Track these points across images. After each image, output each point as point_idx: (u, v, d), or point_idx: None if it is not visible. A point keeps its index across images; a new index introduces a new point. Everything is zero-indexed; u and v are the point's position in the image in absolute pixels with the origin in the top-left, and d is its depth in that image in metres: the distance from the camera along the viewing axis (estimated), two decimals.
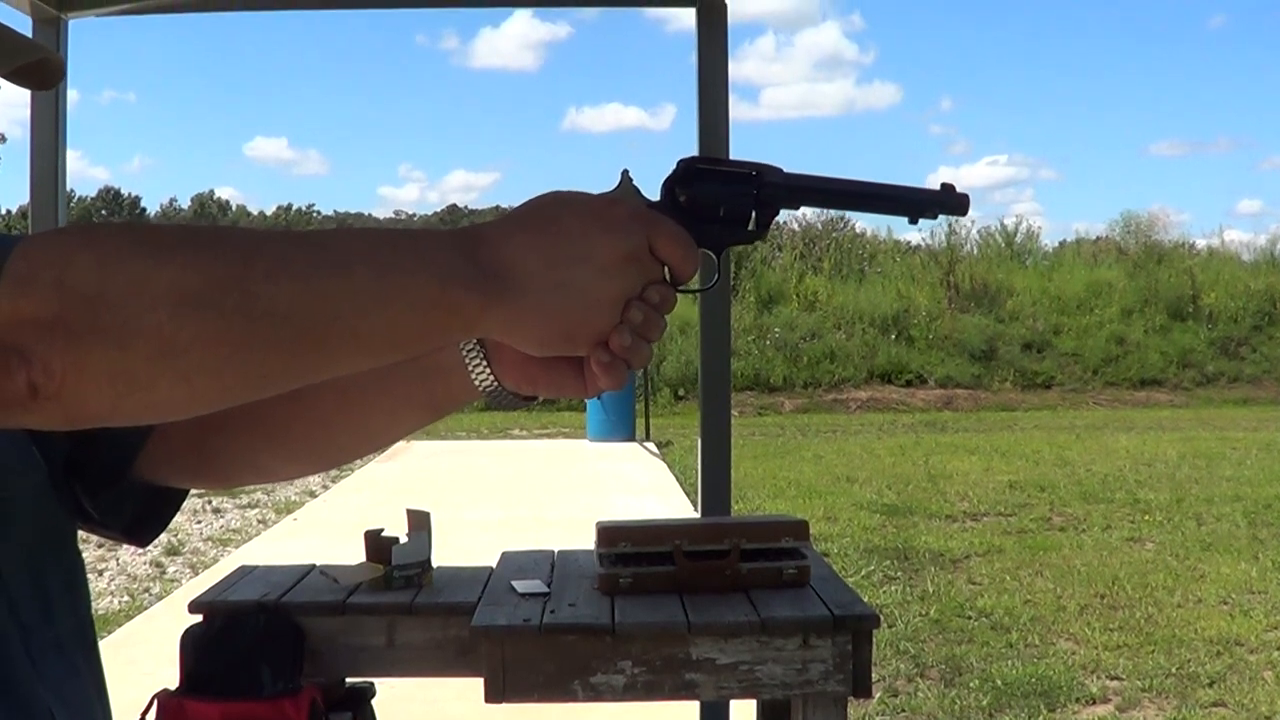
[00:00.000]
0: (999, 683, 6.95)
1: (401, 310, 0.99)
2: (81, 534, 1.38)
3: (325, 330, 0.96)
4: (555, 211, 1.05)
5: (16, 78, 1.22)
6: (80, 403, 0.92)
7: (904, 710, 6.68)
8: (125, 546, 7.93)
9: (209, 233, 0.96)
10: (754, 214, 1.18)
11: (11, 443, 1.22)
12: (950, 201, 1.22)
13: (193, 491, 1.52)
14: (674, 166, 1.18)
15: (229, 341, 0.92)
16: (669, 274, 1.10)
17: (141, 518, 1.41)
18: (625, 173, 1.17)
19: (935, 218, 1.23)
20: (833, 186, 1.22)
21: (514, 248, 1.02)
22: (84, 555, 1.34)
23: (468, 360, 1.21)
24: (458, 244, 1.02)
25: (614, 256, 1.05)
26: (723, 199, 1.17)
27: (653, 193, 1.18)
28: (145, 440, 1.33)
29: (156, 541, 1.46)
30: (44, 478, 1.26)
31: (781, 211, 1.21)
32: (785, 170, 1.20)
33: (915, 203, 1.22)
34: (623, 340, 1.08)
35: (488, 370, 1.21)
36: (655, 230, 1.07)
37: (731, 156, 4.84)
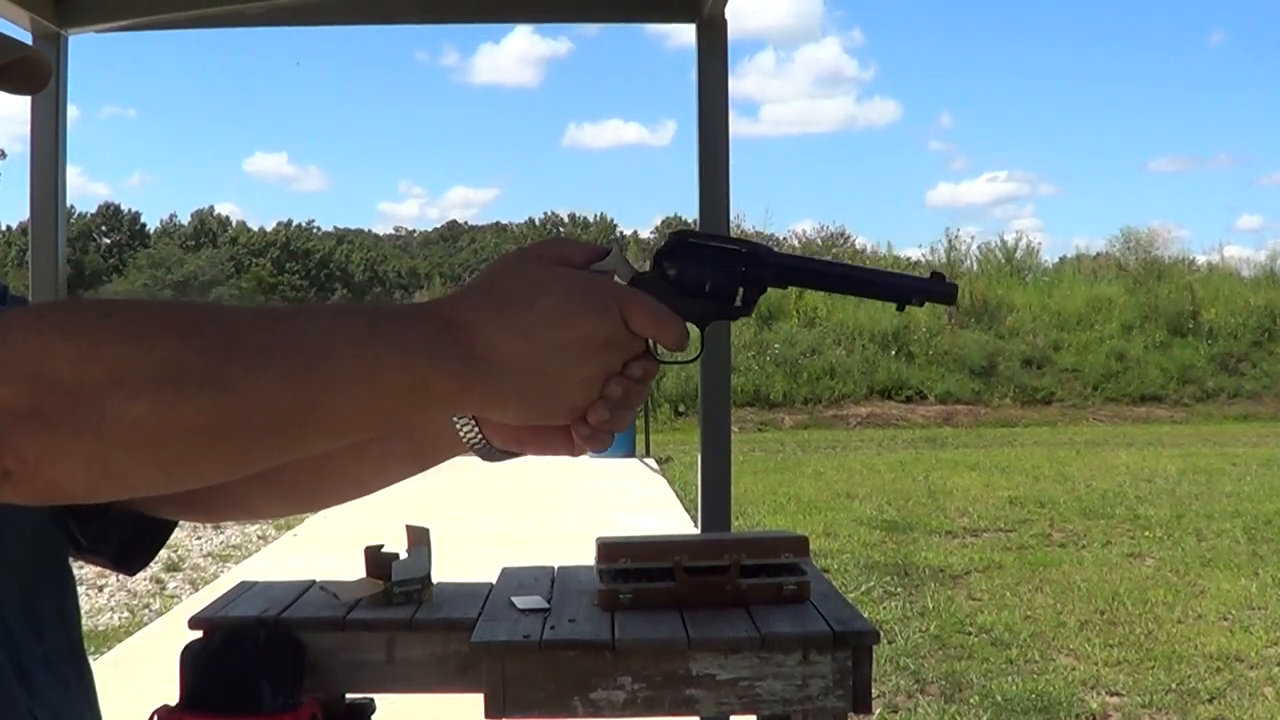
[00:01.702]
0: (999, 699, 6.94)
1: (380, 398, 0.98)
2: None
3: (304, 419, 0.96)
4: (532, 295, 1.03)
5: (5, 84, 1.22)
6: (56, 486, 0.92)
7: None
8: None
9: (188, 319, 0.95)
10: (741, 291, 1.18)
11: None
12: (938, 290, 1.22)
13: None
14: (665, 239, 1.18)
15: (207, 433, 0.92)
16: (654, 345, 1.10)
17: (130, 547, 1.41)
18: (616, 244, 1.16)
19: (921, 305, 1.23)
20: (821, 269, 1.22)
21: (490, 335, 1.01)
22: (85, 571, 1.34)
23: (455, 421, 1.21)
24: (435, 327, 1.01)
25: (591, 342, 1.04)
26: (710, 276, 1.17)
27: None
28: None
29: (156, 558, 1.45)
30: None
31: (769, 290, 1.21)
32: (775, 250, 1.20)
33: (903, 290, 1.22)
34: (601, 416, 1.08)
35: (475, 429, 1.20)
36: (629, 309, 1.06)
37: (730, 173, 4.84)
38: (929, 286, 1.22)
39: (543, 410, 1.05)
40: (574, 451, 1.15)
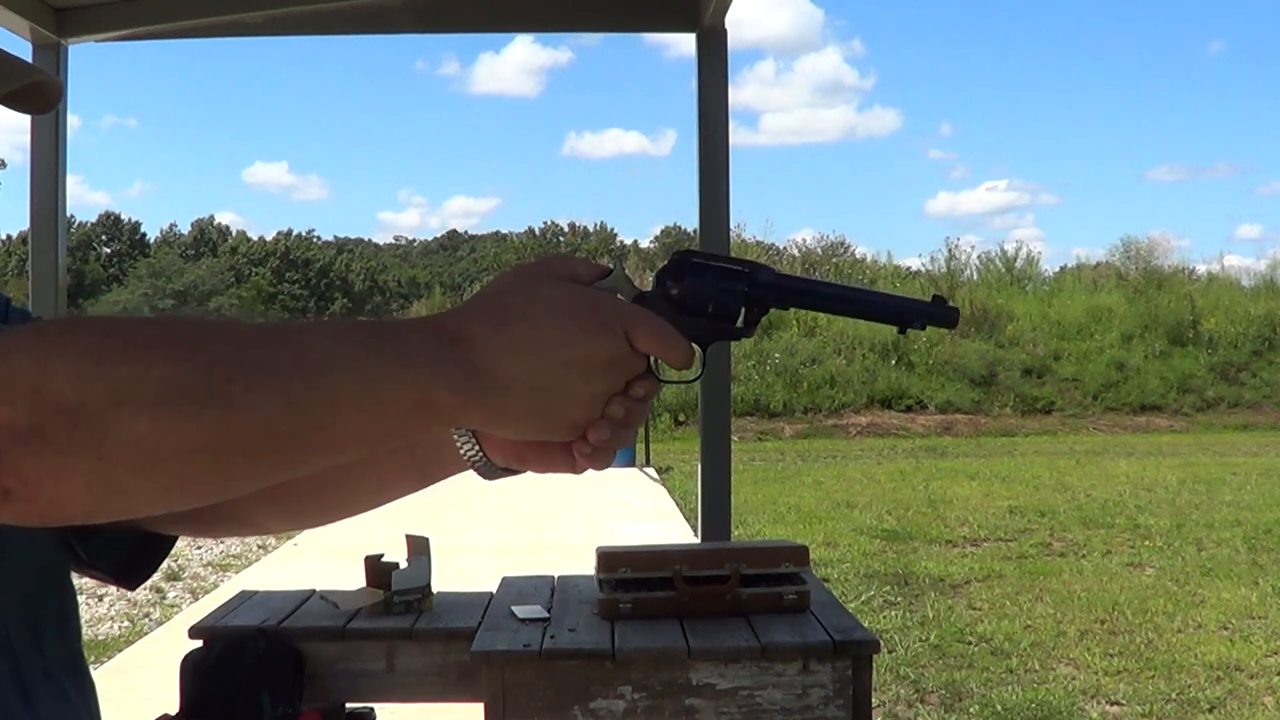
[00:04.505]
0: (999, 708, 6.93)
1: (383, 414, 0.98)
2: None
3: (307, 437, 0.96)
4: (534, 313, 1.03)
5: (14, 102, 1.22)
6: (55, 506, 0.91)
7: None
8: None
9: (189, 336, 0.94)
10: (743, 311, 1.18)
11: None
12: (939, 314, 1.21)
13: None
14: (669, 259, 1.18)
15: (209, 450, 0.92)
16: (657, 364, 1.10)
17: (130, 562, 1.41)
18: (618, 261, 1.16)
19: (923, 329, 1.22)
20: (823, 290, 1.22)
21: (494, 351, 1.01)
22: (85, 581, 1.34)
23: (456, 437, 1.20)
24: (439, 343, 1.00)
25: (596, 361, 1.04)
26: (713, 295, 1.17)
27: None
28: None
29: (155, 572, 1.45)
30: None
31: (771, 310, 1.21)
32: (777, 270, 1.20)
33: (904, 313, 1.22)
34: (602, 435, 1.07)
35: (475, 447, 1.20)
36: (634, 328, 1.06)
37: (730, 182, 4.85)
38: (930, 310, 1.21)
39: (544, 427, 1.05)
40: (575, 469, 1.14)
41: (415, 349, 0.99)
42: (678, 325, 1.10)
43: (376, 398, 0.97)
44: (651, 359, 1.09)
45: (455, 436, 1.20)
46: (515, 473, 1.23)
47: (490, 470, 1.22)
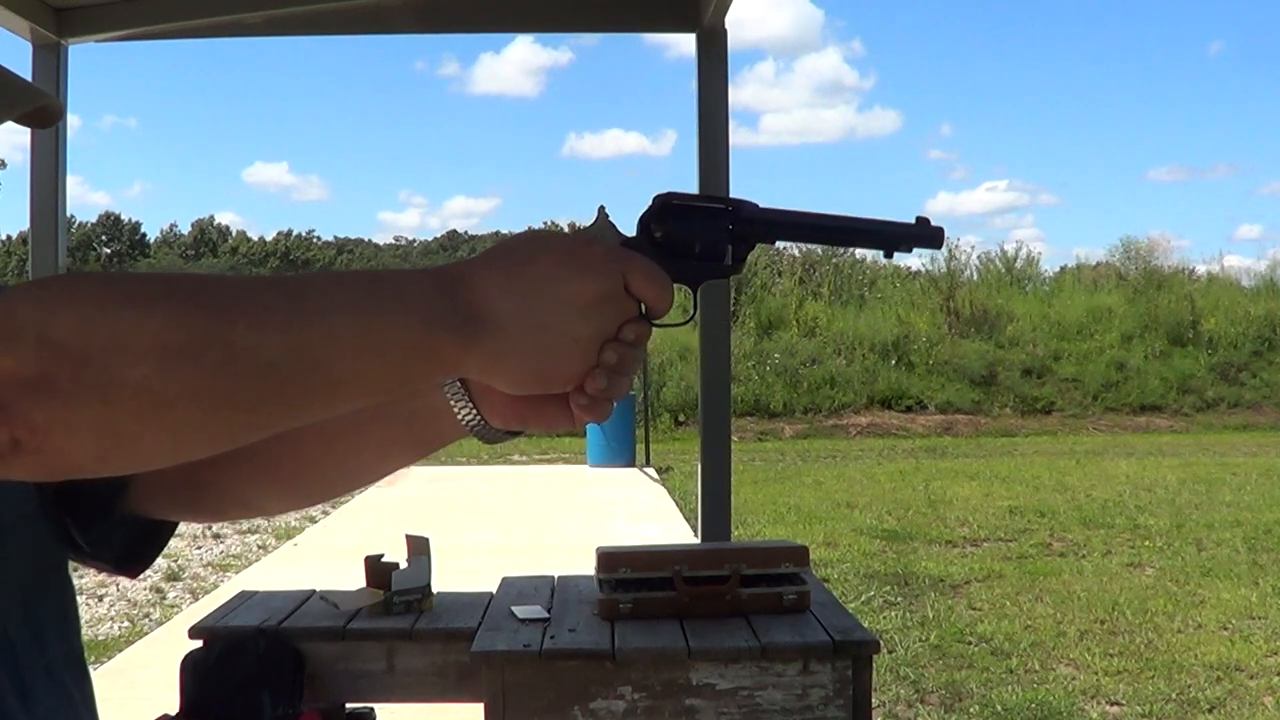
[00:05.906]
0: (999, 708, 6.94)
1: (382, 357, 0.99)
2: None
3: (307, 379, 0.96)
4: (532, 252, 1.05)
5: (17, 119, 1.23)
6: (64, 457, 0.92)
7: None
8: None
9: (189, 283, 0.96)
10: (730, 249, 1.19)
11: None
12: (925, 235, 1.23)
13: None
14: (650, 202, 1.19)
15: (212, 394, 0.92)
16: (644, 309, 1.11)
17: (131, 550, 1.41)
18: (601, 209, 1.17)
19: (910, 251, 1.23)
20: (807, 221, 1.23)
21: (491, 289, 1.02)
22: (85, 581, 1.34)
23: (451, 399, 1.21)
24: (436, 286, 1.02)
25: (590, 298, 1.05)
26: (698, 234, 1.18)
27: (630, 226, 1.18)
28: (136, 473, 1.33)
29: (156, 567, 1.46)
30: (37, 507, 1.26)
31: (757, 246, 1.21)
32: (760, 205, 1.21)
33: (890, 236, 1.23)
34: (599, 384, 1.08)
35: (471, 408, 1.21)
36: (630, 269, 1.07)
37: (730, 183, 4.86)
38: (915, 232, 1.22)
39: (542, 371, 1.06)
40: (574, 424, 1.16)
41: (411, 291, 1.01)
42: (666, 269, 1.11)
43: (376, 339, 0.98)
44: (641, 303, 1.10)
45: (452, 401, 1.21)
46: (515, 435, 1.23)
47: (489, 433, 1.22)
